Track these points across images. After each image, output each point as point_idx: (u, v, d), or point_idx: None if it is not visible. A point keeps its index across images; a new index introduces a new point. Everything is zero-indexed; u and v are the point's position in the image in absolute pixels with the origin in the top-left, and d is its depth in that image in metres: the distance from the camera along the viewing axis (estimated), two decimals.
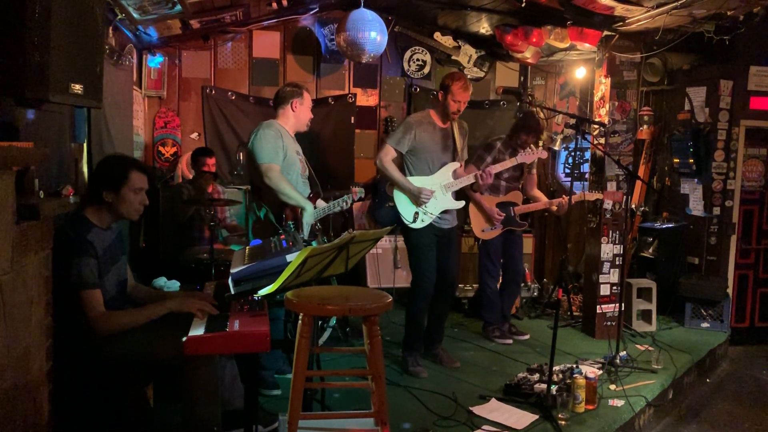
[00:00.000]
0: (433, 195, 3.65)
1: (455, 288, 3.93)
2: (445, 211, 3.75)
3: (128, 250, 2.76)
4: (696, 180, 5.16)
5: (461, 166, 3.85)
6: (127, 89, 4.36)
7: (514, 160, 4.01)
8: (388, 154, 3.67)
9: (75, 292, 2.29)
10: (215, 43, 5.23)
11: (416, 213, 3.67)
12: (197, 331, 2.16)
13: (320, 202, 3.55)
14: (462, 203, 3.85)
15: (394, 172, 3.67)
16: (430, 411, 3.12)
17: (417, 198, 3.64)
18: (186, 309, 2.39)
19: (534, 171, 4.62)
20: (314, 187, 3.47)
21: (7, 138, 1.95)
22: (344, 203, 3.54)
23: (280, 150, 3.21)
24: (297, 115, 3.36)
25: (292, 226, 2.86)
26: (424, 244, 3.71)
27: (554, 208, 4.51)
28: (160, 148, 5.15)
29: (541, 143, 5.88)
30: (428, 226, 3.70)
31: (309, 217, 3.19)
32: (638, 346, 4.36)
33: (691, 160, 5.10)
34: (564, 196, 4.65)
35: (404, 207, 3.69)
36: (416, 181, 3.68)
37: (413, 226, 3.67)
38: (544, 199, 4.57)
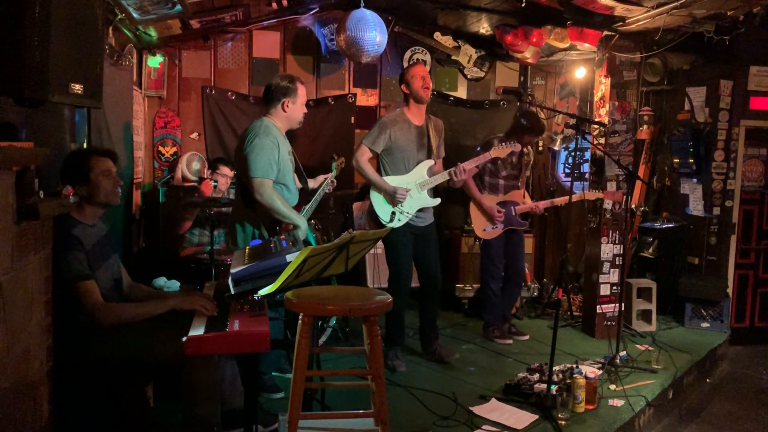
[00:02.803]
0: (408, 194, 3.67)
1: (440, 283, 3.93)
2: (421, 209, 3.76)
3: (121, 249, 2.74)
4: (696, 180, 5.16)
5: (436, 163, 3.86)
6: (127, 89, 4.36)
7: (488, 155, 3.94)
8: (364, 154, 3.69)
9: (70, 286, 2.29)
10: (215, 43, 5.23)
11: (393, 212, 3.69)
12: (197, 331, 2.16)
13: (311, 182, 3.65)
14: (438, 200, 3.85)
15: (370, 172, 3.70)
16: (430, 411, 3.12)
17: (393, 197, 3.65)
18: (188, 306, 2.40)
19: (527, 172, 4.61)
20: (301, 179, 3.43)
21: (7, 138, 1.95)
22: (331, 183, 3.73)
23: (275, 163, 3.05)
24: (288, 115, 3.19)
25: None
26: (402, 243, 3.73)
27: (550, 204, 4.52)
28: (160, 148, 5.15)
29: (541, 144, 5.89)
30: (405, 225, 3.72)
31: (303, 234, 3.07)
32: (638, 346, 4.36)
33: (691, 160, 5.10)
34: (544, 200, 4.65)
35: (381, 207, 3.71)
36: (392, 181, 3.69)
37: (390, 225, 3.68)
38: (528, 201, 4.56)
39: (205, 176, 4.63)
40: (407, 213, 3.70)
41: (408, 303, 3.93)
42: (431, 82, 3.74)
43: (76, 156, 2.55)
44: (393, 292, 3.72)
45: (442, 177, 3.77)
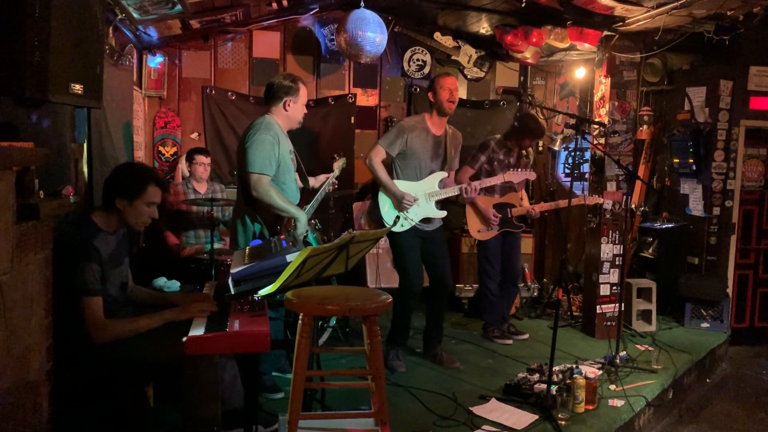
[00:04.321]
0: (416, 202, 3.66)
1: (448, 286, 3.93)
2: (426, 219, 3.75)
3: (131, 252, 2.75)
4: (696, 180, 5.16)
5: (449, 176, 3.85)
6: (127, 89, 4.36)
7: (501, 177, 3.96)
8: (378, 155, 3.68)
9: (76, 296, 2.28)
10: (215, 43, 5.23)
11: (397, 217, 3.68)
12: (197, 331, 2.16)
13: (312, 180, 3.65)
14: (444, 213, 3.82)
15: (382, 173, 3.67)
16: (430, 411, 3.12)
17: (399, 203, 3.65)
18: (184, 317, 2.37)
19: None
20: (302, 179, 3.42)
21: (7, 138, 1.95)
22: (332, 182, 3.72)
23: (274, 160, 3.05)
24: (290, 115, 3.19)
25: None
26: (408, 246, 3.72)
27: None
28: (160, 148, 5.15)
29: (540, 144, 5.89)
30: (410, 228, 3.71)
31: (303, 228, 3.07)
32: (638, 346, 4.37)
33: (691, 160, 5.10)
34: (539, 203, 4.67)
35: (386, 209, 3.71)
36: (402, 186, 3.68)
37: (394, 229, 3.68)
38: (526, 203, 4.56)
39: (186, 169, 4.66)
40: (411, 220, 3.69)
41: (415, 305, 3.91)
42: (458, 96, 3.72)
43: (135, 173, 2.50)
44: (402, 294, 3.74)
45: (452, 191, 3.76)
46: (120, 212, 2.43)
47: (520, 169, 3.98)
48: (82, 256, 2.30)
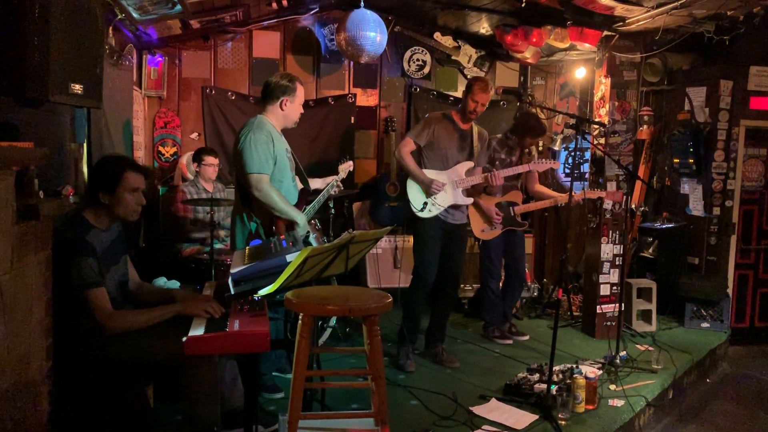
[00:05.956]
0: (443, 188, 3.73)
1: (458, 287, 3.95)
2: (453, 206, 3.80)
3: (128, 250, 2.74)
4: (696, 180, 5.16)
5: (476, 169, 3.91)
6: (127, 89, 4.36)
7: (526, 166, 4.04)
8: (407, 146, 3.79)
9: (79, 292, 2.28)
10: (215, 43, 5.23)
11: (425, 203, 3.75)
12: (197, 331, 2.16)
13: (318, 182, 3.67)
14: (471, 200, 3.94)
15: (410, 162, 3.78)
16: (430, 411, 3.12)
17: (428, 188, 3.71)
18: (192, 312, 2.37)
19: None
20: (303, 180, 3.42)
21: (7, 138, 1.95)
22: (336, 185, 3.75)
23: (271, 158, 3.03)
24: (286, 114, 3.16)
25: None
26: (429, 236, 3.76)
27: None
28: (160, 148, 5.16)
29: (541, 144, 5.90)
30: (435, 218, 3.76)
31: (303, 231, 3.02)
32: (638, 346, 4.36)
33: (691, 160, 5.10)
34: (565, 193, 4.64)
35: (415, 195, 3.78)
36: (430, 174, 3.76)
37: (421, 214, 3.74)
38: (549, 192, 4.54)
39: (192, 169, 4.65)
40: (439, 205, 3.76)
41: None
42: (483, 110, 3.79)
43: (110, 164, 2.48)
44: (413, 285, 3.79)
45: (477, 179, 3.85)
46: (107, 207, 2.42)
47: (543, 159, 4.07)
48: (76, 251, 2.29)
